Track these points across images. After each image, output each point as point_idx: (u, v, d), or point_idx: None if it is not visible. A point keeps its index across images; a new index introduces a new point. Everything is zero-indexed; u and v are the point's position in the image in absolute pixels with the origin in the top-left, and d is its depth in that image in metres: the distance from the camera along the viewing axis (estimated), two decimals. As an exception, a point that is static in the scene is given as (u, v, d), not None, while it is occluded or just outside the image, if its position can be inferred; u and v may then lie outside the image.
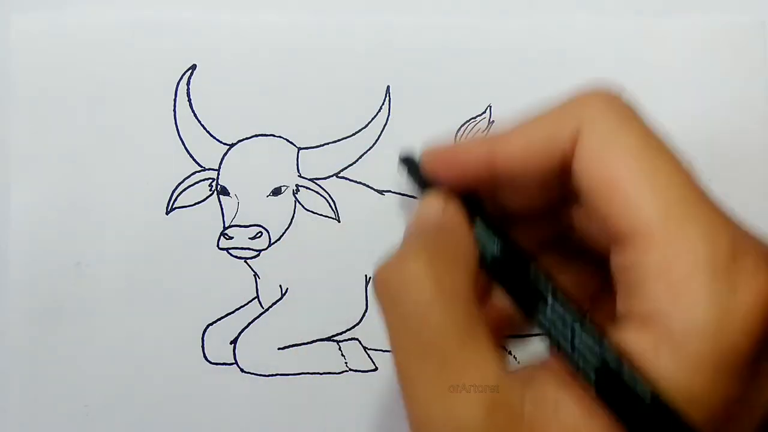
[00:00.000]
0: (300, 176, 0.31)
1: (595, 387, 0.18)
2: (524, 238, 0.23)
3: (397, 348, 0.20)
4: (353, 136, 0.31)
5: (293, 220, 0.31)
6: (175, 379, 0.31)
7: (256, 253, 0.31)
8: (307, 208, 0.31)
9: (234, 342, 0.31)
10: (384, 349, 0.31)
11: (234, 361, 0.31)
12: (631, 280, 0.18)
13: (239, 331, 0.31)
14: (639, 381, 0.17)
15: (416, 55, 0.31)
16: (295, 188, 0.31)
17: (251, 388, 0.31)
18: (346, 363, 0.31)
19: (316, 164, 0.31)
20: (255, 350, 0.31)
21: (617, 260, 0.19)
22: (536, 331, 0.20)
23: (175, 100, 0.31)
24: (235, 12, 0.31)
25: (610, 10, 0.32)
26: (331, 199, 0.31)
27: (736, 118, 0.32)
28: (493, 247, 0.21)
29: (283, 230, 0.31)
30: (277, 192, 0.31)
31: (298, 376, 0.31)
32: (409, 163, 0.25)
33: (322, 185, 0.31)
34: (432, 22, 0.31)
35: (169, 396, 0.31)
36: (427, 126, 0.30)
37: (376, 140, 0.31)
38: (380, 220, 0.31)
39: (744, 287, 0.17)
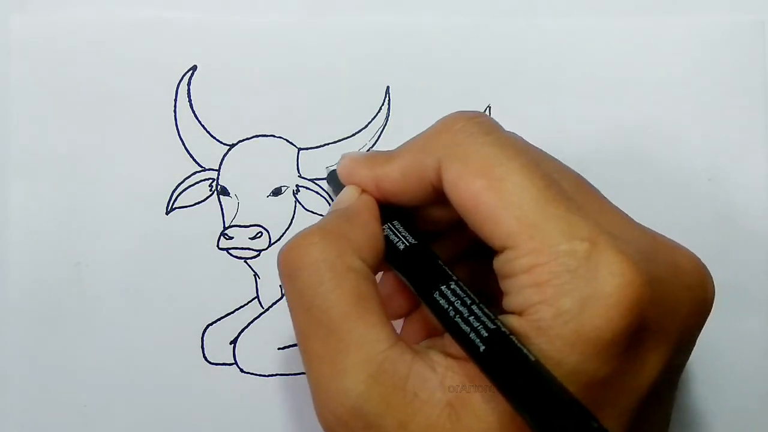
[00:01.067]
0: (300, 176, 0.31)
1: (484, 355, 0.19)
2: (442, 250, 0.24)
3: (294, 325, 0.22)
4: (353, 136, 0.31)
5: (293, 220, 0.31)
6: (175, 379, 0.31)
7: (256, 253, 0.31)
8: (307, 208, 0.31)
9: (234, 342, 0.31)
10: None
11: (234, 361, 0.31)
12: (508, 281, 0.20)
13: (239, 331, 0.31)
14: (524, 349, 0.18)
15: (416, 55, 0.31)
16: (295, 188, 0.31)
17: (251, 388, 0.31)
18: (346, 363, 0.31)
19: (316, 164, 0.31)
20: (255, 350, 0.31)
21: (496, 265, 0.21)
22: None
23: (175, 101, 0.31)
24: (236, 13, 0.31)
25: (610, 11, 0.32)
26: (332, 199, 0.31)
27: (736, 118, 0.32)
28: (404, 242, 0.23)
29: (283, 230, 0.31)
30: (277, 192, 0.31)
31: (298, 376, 0.31)
32: (330, 178, 0.28)
33: (322, 185, 0.31)
34: (432, 22, 0.31)
35: (169, 396, 0.31)
36: (427, 126, 0.30)
37: (376, 140, 0.31)
38: (380, 220, 0.31)
39: (604, 277, 0.19)
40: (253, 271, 0.31)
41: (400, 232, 0.24)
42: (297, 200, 0.31)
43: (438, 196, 0.22)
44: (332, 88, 0.31)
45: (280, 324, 0.31)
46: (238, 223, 0.31)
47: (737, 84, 0.32)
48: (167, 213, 0.31)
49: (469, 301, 0.20)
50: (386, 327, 0.20)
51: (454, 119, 0.22)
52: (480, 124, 0.22)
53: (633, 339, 0.19)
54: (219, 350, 0.31)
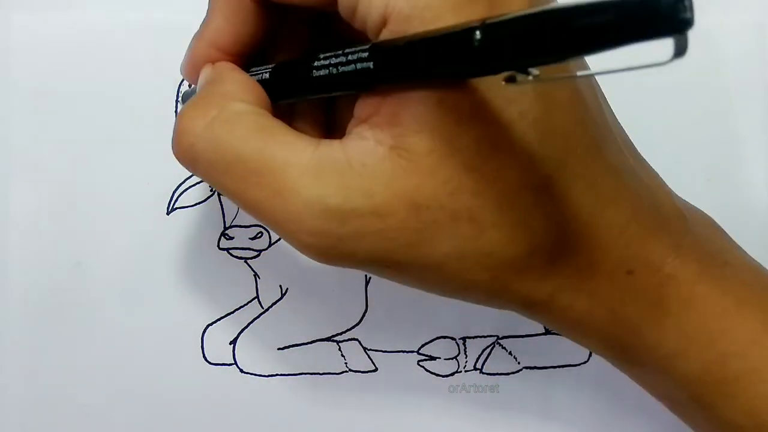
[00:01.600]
0: (300, 176, 0.31)
1: (374, 72, 0.19)
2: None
3: (229, 196, 0.21)
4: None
5: (293, 220, 0.31)
6: (175, 379, 0.31)
7: (256, 253, 0.31)
8: (308, 208, 0.31)
9: (234, 342, 0.31)
10: (384, 349, 0.31)
11: (234, 361, 0.31)
12: (357, 13, 0.19)
13: (239, 331, 0.31)
14: (402, 39, 0.18)
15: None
16: (295, 188, 0.31)
17: (251, 388, 0.31)
18: (346, 363, 0.31)
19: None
20: (255, 350, 0.31)
21: (342, 11, 0.20)
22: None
23: (176, 101, 0.31)
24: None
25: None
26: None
27: (735, 118, 0.32)
28: (268, 69, 0.23)
29: (284, 230, 0.31)
30: (277, 192, 0.31)
31: (298, 376, 0.31)
32: (187, 96, 0.27)
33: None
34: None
35: (168, 396, 0.31)
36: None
37: (377, 140, 0.31)
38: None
39: None
40: (253, 271, 0.31)
41: (260, 70, 0.23)
42: (297, 200, 0.31)
43: (271, 16, 0.22)
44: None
45: (280, 324, 0.31)
46: (238, 223, 0.31)
47: (737, 84, 0.32)
48: (168, 213, 0.31)
49: (339, 53, 0.20)
50: (302, 137, 0.20)
51: None
52: None
53: None
54: (219, 350, 0.31)
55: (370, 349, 0.31)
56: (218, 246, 0.31)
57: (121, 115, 0.30)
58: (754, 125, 0.32)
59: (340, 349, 0.31)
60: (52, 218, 0.30)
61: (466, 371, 0.31)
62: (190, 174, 0.31)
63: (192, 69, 0.24)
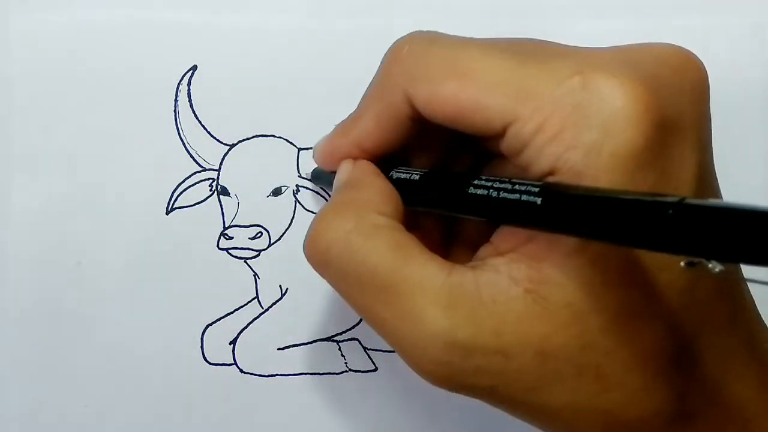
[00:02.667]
0: (300, 176, 0.31)
1: (542, 207, 0.18)
2: None
3: (353, 307, 0.21)
4: (353, 137, 0.31)
5: (293, 220, 0.31)
6: (174, 379, 0.31)
7: (256, 253, 0.31)
8: (307, 208, 0.31)
9: (234, 342, 0.31)
10: (384, 349, 0.31)
11: (234, 362, 0.31)
12: (524, 154, 0.20)
13: (239, 331, 0.31)
14: (578, 187, 0.18)
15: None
16: (295, 188, 0.31)
17: (251, 388, 0.31)
18: (346, 363, 0.31)
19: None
20: (255, 350, 0.31)
21: (506, 149, 0.20)
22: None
23: (175, 101, 0.31)
24: (236, 13, 0.31)
25: (609, 12, 0.32)
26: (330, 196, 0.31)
27: (735, 119, 0.32)
28: (415, 175, 0.23)
29: (283, 230, 0.31)
30: (277, 192, 0.31)
31: (298, 376, 0.31)
32: (318, 174, 0.29)
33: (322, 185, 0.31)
34: (431, 23, 0.31)
35: (169, 396, 0.31)
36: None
37: (376, 140, 0.31)
38: (380, 221, 0.31)
39: (608, 98, 0.18)
40: (253, 271, 0.31)
41: (406, 174, 0.23)
42: (297, 200, 0.31)
43: (419, 126, 0.22)
44: (333, 88, 0.31)
45: (280, 324, 0.31)
46: (238, 223, 0.31)
47: (737, 85, 0.32)
48: (167, 213, 0.31)
49: (505, 180, 0.20)
50: (436, 260, 0.20)
51: (397, 48, 0.22)
52: (421, 38, 0.22)
53: (662, 137, 0.19)
54: (219, 350, 0.31)
55: (370, 349, 0.31)
56: (218, 246, 0.31)
57: (120, 115, 0.30)
58: (754, 125, 0.32)
59: (340, 349, 0.31)
60: (52, 218, 0.30)
61: (466, 371, 0.31)
62: (189, 174, 0.31)
63: (329, 160, 0.25)
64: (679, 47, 0.22)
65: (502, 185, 0.19)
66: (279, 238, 0.31)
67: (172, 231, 0.31)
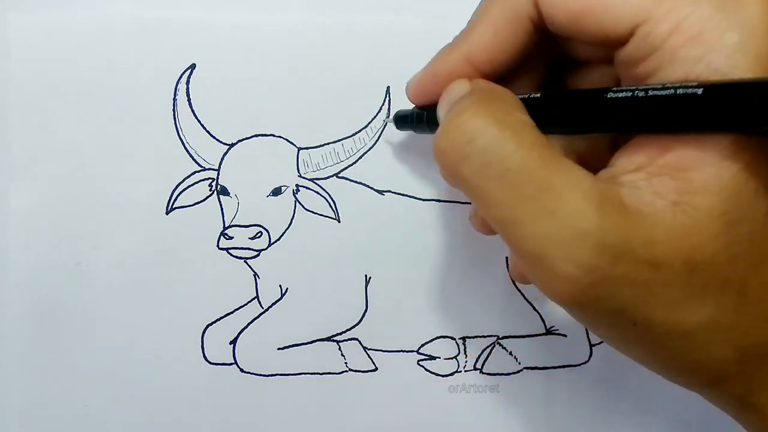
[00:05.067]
0: (300, 176, 0.31)
1: (702, 97, 0.17)
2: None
3: (486, 205, 0.19)
4: (353, 136, 0.31)
5: (293, 220, 0.31)
6: (175, 379, 0.31)
7: (256, 253, 0.31)
8: (307, 208, 0.31)
9: (234, 342, 0.31)
10: (384, 349, 0.31)
11: (234, 361, 0.31)
12: (653, 59, 0.19)
13: (239, 331, 0.31)
14: (732, 80, 0.17)
15: (416, 55, 0.31)
16: (295, 188, 0.31)
17: (251, 388, 0.31)
18: (346, 363, 0.31)
19: (316, 164, 0.31)
20: (255, 350, 0.31)
21: (629, 54, 0.19)
22: None
23: (174, 100, 0.30)
24: (235, 11, 0.31)
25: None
26: (331, 199, 0.31)
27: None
28: (535, 95, 0.22)
29: (283, 230, 0.31)
30: (277, 192, 0.31)
31: (298, 376, 0.31)
32: (401, 118, 0.27)
33: (322, 185, 0.31)
34: (431, 23, 0.31)
35: (169, 396, 0.31)
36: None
37: (376, 140, 0.31)
38: (380, 220, 0.31)
39: None
40: (253, 271, 0.31)
41: (524, 95, 0.22)
42: (297, 200, 0.31)
43: (535, 38, 0.21)
44: (332, 88, 0.31)
45: (280, 324, 0.31)
46: (238, 223, 0.31)
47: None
48: (167, 213, 0.31)
49: (646, 85, 0.19)
50: (580, 167, 0.19)
51: None
52: None
53: None
54: (219, 350, 0.31)
55: (370, 349, 0.31)
56: (218, 246, 0.31)
57: (120, 114, 0.30)
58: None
59: (340, 349, 0.31)
60: (52, 218, 0.30)
61: (466, 371, 0.31)
62: (189, 174, 0.31)
63: (431, 82, 0.23)
64: None
65: (648, 87, 0.18)
66: (279, 238, 0.31)
67: (172, 231, 0.31)
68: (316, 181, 0.31)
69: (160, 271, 0.30)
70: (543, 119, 0.21)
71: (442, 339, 0.31)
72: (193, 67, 0.30)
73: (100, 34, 0.30)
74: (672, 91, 0.17)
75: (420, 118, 0.26)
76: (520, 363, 0.32)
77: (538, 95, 0.21)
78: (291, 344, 0.31)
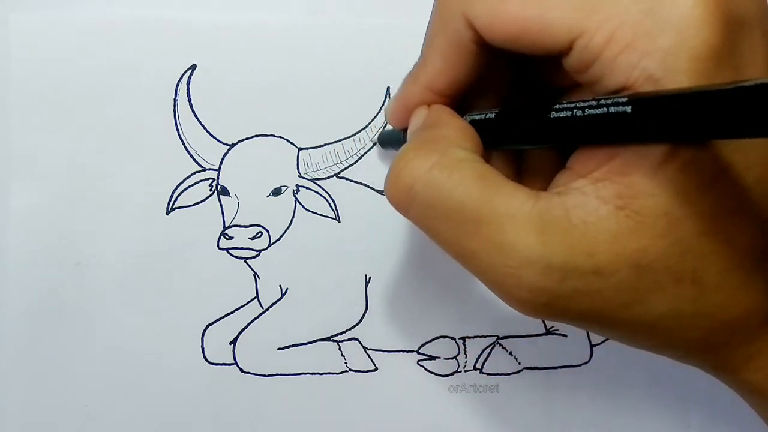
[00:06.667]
0: (300, 176, 0.31)
1: (632, 115, 0.18)
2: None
3: (440, 243, 0.21)
4: (353, 136, 0.31)
5: (293, 220, 0.31)
6: (175, 379, 0.31)
7: (256, 253, 0.31)
8: (307, 208, 0.31)
9: (234, 342, 0.31)
10: (384, 349, 0.31)
11: (234, 361, 0.31)
12: (594, 69, 0.19)
13: (239, 331, 0.31)
14: (661, 92, 0.17)
15: (416, 55, 0.31)
16: (295, 188, 0.31)
17: (251, 388, 0.31)
18: (346, 363, 0.31)
19: (316, 164, 0.31)
20: (255, 350, 0.31)
21: (572, 64, 0.20)
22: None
23: (175, 100, 0.30)
24: (235, 12, 0.31)
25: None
26: (331, 199, 0.31)
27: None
28: (490, 114, 0.22)
29: (283, 230, 0.31)
30: (277, 192, 0.31)
31: (298, 376, 0.31)
32: (385, 138, 0.28)
33: (322, 185, 0.31)
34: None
35: (169, 396, 0.31)
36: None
37: (377, 141, 0.31)
38: (380, 220, 0.31)
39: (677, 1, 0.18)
40: (253, 271, 0.31)
41: (480, 115, 0.23)
42: (297, 200, 0.31)
43: (485, 56, 0.22)
44: (332, 88, 0.31)
45: (280, 324, 0.31)
46: (238, 223, 0.31)
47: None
48: (167, 213, 0.31)
49: (587, 99, 0.19)
50: (521, 189, 0.20)
51: None
52: None
53: (734, 34, 0.18)
54: (219, 350, 0.31)
55: (370, 349, 0.31)
56: (218, 246, 0.31)
57: (120, 114, 0.30)
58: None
59: (340, 349, 0.31)
60: (52, 218, 0.30)
61: (466, 371, 0.31)
62: (189, 174, 0.31)
63: (403, 111, 0.24)
64: None
65: (586, 104, 0.19)
66: (279, 238, 0.31)
67: (172, 231, 0.31)
68: (316, 181, 0.31)
69: (160, 271, 0.30)
70: (496, 138, 0.22)
71: (442, 339, 0.31)
72: (193, 67, 0.31)
73: (101, 35, 0.30)
74: (605, 109, 0.18)
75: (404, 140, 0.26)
76: (520, 363, 0.32)
77: (492, 115, 0.22)
78: (291, 344, 0.31)
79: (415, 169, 0.21)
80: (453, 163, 0.20)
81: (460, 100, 0.24)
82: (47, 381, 0.30)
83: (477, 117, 0.23)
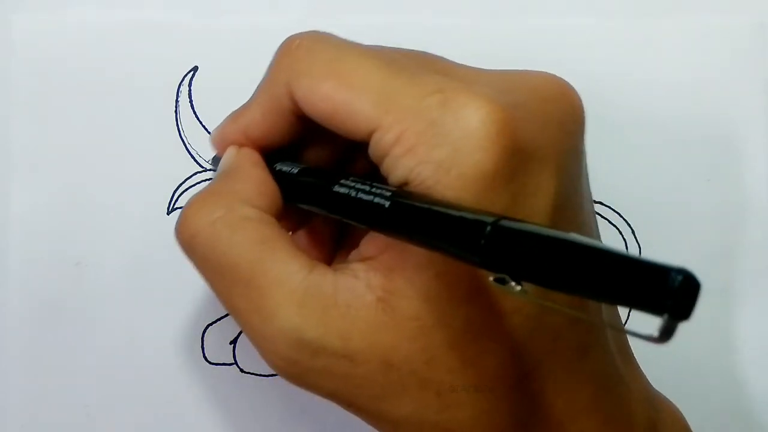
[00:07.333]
0: (300, 176, 0.31)
1: (389, 210, 0.18)
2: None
3: (214, 292, 0.22)
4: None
5: (293, 221, 0.31)
6: (175, 379, 0.31)
7: (256, 253, 0.31)
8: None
9: (234, 342, 0.31)
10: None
11: (234, 361, 0.31)
12: (384, 162, 0.20)
13: (239, 331, 0.31)
14: (427, 197, 0.18)
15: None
16: (295, 188, 0.31)
17: (251, 388, 0.31)
18: (346, 363, 0.31)
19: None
20: (255, 350, 0.31)
21: (371, 154, 0.20)
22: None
23: (176, 101, 0.31)
24: (237, 14, 0.31)
25: (608, 11, 0.32)
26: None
27: (735, 119, 0.32)
28: (294, 170, 0.23)
29: (284, 230, 0.31)
30: (277, 192, 0.31)
31: (298, 376, 0.31)
32: (214, 161, 0.28)
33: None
34: (431, 23, 0.31)
35: (169, 396, 0.31)
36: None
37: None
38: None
39: (465, 118, 0.19)
40: (254, 271, 0.31)
41: (288, 167, 0.23)
42: (297, 200, 0.31)
43: (306, 122, 0.22)
44: (332, 89, 0.31)
45: (280, 324, 0.31)
46: (238, 224, 0.31)
47: (737, 84, 0.32)
48: (168, 213, 0.31)
49: (368, 182, 0.20)
50: (299, 258, 0.20)
51: (289, 42, 0.22)
52: (312, 36, 0.22)
53: (515, 163, 0.19)
54: (219, 350, 0.31)
55: (370, 350, 0.31)
56: (218, 246, 0.31)
57: (120, 114, 0.31)
58: (754, 125, 0.32)
59: (340, 350, 0.31)
60: (52, 218, 0.30)
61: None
62: (191, 174, 0.31)
63: (220, 144, 0.25)
64: (556, 78, 0.22)
65: (363, 186, 0.20)
66: (279, 238, 0.31)
67: (173, 231, 0.31)
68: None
69: (161, 271, 0.31)
70: (292, 195, 0.23)
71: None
72: (195, 69, 0.31)
73: (104, 37, 0.31)
74: (371, 197, 0.19)
75: None
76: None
77: (295, 171, 0.23)
78: (291, 344, 0.31)
79: (199, 220, 0.21)
80: (236, 221, 0.21)
81: (283, 148, 0.24)
82: (47, 381, 0.30)
83: (285, 168, 0.23)
